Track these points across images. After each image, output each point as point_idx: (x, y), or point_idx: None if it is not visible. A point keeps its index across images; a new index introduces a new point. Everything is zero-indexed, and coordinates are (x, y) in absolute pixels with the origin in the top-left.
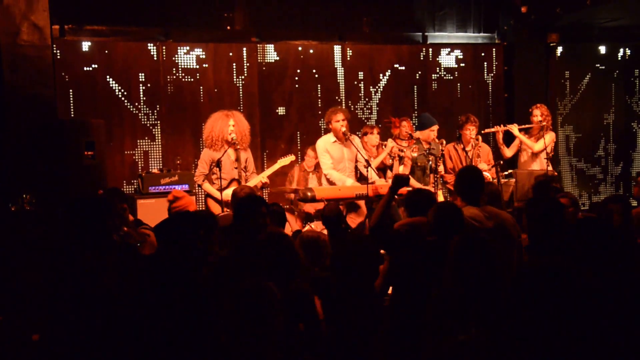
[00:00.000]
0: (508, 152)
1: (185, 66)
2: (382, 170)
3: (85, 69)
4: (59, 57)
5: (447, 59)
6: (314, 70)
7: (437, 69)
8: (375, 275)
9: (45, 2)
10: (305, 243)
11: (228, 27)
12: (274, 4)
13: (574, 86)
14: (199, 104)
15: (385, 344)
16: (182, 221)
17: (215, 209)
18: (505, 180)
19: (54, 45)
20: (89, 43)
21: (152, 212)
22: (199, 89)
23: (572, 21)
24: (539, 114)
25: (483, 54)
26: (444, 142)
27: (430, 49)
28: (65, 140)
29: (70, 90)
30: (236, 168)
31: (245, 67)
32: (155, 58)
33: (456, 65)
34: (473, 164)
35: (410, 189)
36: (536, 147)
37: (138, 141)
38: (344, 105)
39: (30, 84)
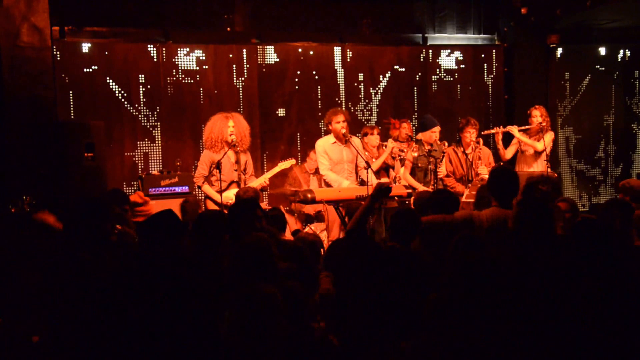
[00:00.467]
0: (507, 154)
1: (185, 68)
2: (384, 169)
3: (85, 70)
4: (58, 58)
5: (447, 61)
6: (314, 72)
7: (437, 70)
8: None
9: (45, 4)
10: (305, 244)
11: (228, 29)
12: (274, 5)
13: (574, 87)
14: (199, 105)
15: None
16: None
17: None
18: None
19: (54, 47)
20: (89, 44)
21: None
22: (199, 91)
23: (572, 23)
24: (537, 114)
25: (483, 56)
26: (447, 143)
27: (430, 51)
28: (65, 142)
29: (70, 92)
30: (236, 170)
31: (245, 68)
32: (155, 59)
33: (456, 67)
34: (473, 166)
35: (394, 199)
36: (539, 146)
37: (138, 143)
38: (344, 106)
39: (30, 85)
